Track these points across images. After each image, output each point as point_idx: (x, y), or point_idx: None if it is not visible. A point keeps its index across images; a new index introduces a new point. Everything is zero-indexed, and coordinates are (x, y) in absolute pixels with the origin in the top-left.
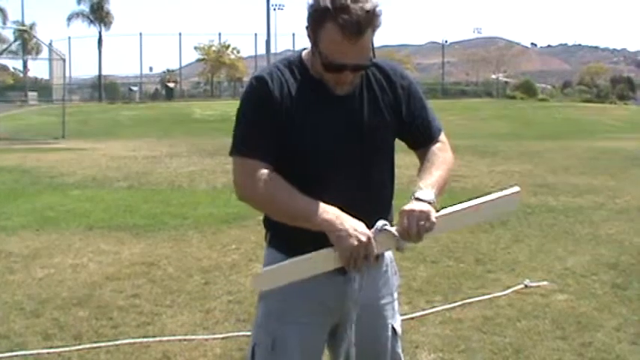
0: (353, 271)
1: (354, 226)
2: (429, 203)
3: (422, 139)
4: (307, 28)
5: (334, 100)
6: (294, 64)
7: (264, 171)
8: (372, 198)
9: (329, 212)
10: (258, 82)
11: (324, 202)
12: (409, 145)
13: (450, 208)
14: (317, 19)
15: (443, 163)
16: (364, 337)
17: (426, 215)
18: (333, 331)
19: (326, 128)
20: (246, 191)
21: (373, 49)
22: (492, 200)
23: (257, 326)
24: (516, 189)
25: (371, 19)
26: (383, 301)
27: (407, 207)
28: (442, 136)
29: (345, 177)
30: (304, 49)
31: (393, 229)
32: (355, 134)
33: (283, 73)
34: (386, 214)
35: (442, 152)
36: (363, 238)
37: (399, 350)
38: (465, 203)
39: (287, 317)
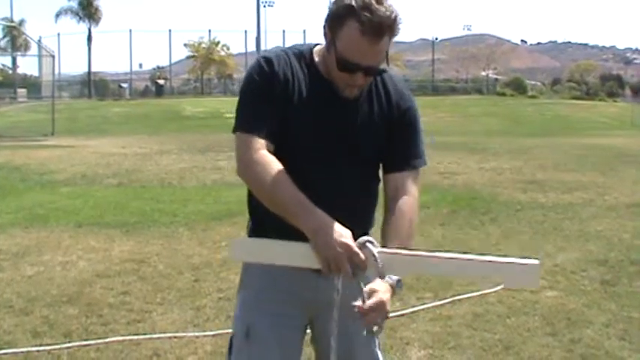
0: (334, 277)
1: (340, 235)
2: (390, 285)
3: (394, 163)
4: (325, 25)
5: (338, 101)
6: (304, 57)
7: (265, 151)
8: (354, 205)
9: (318, 215)
10: (265, 61)
11: (305, 194)
12: (382, 165)
13: (464, 255)
14: (339, 16)
15: (411, 228)
16: (342, 335)
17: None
18: (311, 326)
19: (323, 127)
20: (242, 166)
21: (387, 57)
22: (509, 263)
23: (234, 318)
24: (534, 262)
25: (392, 24)
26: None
27: (383, 295)
28: (415, 185)
29: (330, 179)
30: (317, 44)
31: (376, 252)
32: (349, 139)
33: (292, 61)
34: (366, 225)
35: (411, 213)
36: (343, 250)
37: (377, 350)
38: (478, 257)
39: (261, 307)
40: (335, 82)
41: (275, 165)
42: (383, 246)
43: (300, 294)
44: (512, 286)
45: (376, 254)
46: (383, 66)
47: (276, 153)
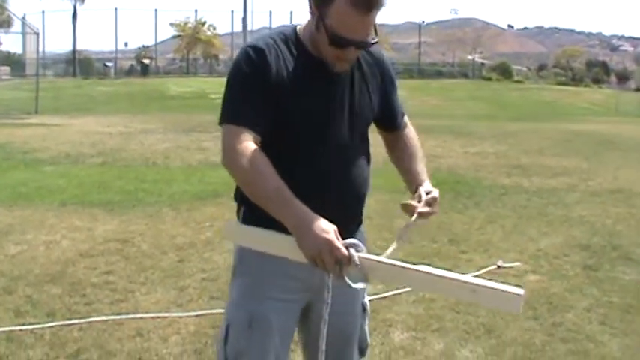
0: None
1: (322, 231)
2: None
3: (394, 123)
4: (311, 2)
5: (331, 77)
6: (290, 39)
7: (251, 143)
8: (362, 174)
9: (299, 211)
10: (255, 52)
11: (313, 178)
12: (381, 127)
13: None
14: None
15: (420, 150)
16: (334, 313)
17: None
18: (306, 309)
19: (321, 105)
20: (227, 157)
21: (376, 29)
22: (494, 289)
23: (231, 305)
24: (520, 291)
25: None
26: None
27: (431, 194)
28: (407, 119)
29: (334, 154)
30: (297, 25)
31: (357, 257)
32: (347, 113)
33: (279, 47)
34: (366, 190)
35: (416, 139)
36: (325, 246)
37: (366, 327)
38: (463, 277)
39: (265, 293)
40: (325, 59)
41: (259, 158)
42: (401, 167)
43: (302, 277)
44: (491, 307)
45: (357, 260)
46: (373, 38)
47: (280, 139)
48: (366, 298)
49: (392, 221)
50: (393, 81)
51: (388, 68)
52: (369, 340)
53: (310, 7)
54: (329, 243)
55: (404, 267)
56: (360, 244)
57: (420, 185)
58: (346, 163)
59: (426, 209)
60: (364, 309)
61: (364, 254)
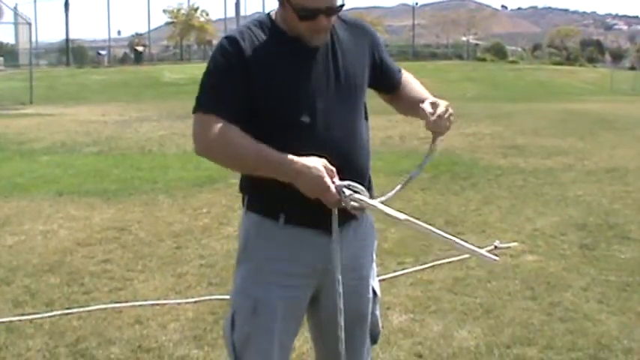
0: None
1: (311, 162)
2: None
3: (393, 82)
4: None
5: (309, 52)
6: (265, 23)
7: (219, 124)
8: (355, 150)
9: (282, 154)
10: (229, 42)
11: (308, 154)
12: (382, 90)
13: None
14: None
15: (419, 84)
16: (347, 295)
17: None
18: (315, 297)
19: (305, 81)
20: (201, 145)
21: None
22: (470, 249)
23: (235, 293)
24: (495, 258)
25: None
26: (364, 260)
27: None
28: (403, 71)
29: (328, 129)
30: (271, 11)
31: (350, 196)
32: (333, 85)
33: (254, 32)
34: (366, 166)
35: (412, 77)
36: (322, 172)
37: (378, 312)
38: (447, 235)
39: (268, 278)
40: (301, 35)
41: (228, 134)
42: (404, 104)
43: (311, 263)
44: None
45: (349, 202)
46: (340, 1)
47: (269, 121)
48: (376, 283)
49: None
50: (379, 43)
51: (371, 33)
52: (380, 326)
53: None
54: (320, 185)
55: (390, 214)
56: (357, 185)
57: (422, 102)
58: (343, 137)
59: (438, 112)
60: (375, 294)
61: (357, 196)
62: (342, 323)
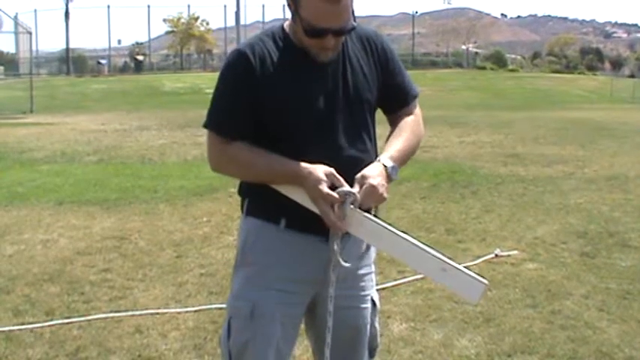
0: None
1: (317, 167)
2: (385, 167)
3: (396, 103)
4: None
5: (318, 67)
6: (277, 34)
7: (229, 142)
8: (369, 159)
9: (290, 162)
10: (240, 56)
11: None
12: (384, 109)
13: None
14: None
15: (412, 134)
16: (341, 308)
17: (381, 177)
18: (312, 304)
19: (311, 96)
20: (213, 163)
21: (353, 13)
22: (459, 270)
23: (232, 298)
24: (484, 281)
25: None
26: (362, 271)
27: (373, 181)
28: (417, 108)
29: (333, 144)
30: (286, 20)
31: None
32: (341, 101)
33: (266, 45)
34: None
35: (414, 124)
36: (325, 176)
37: (377, 324)
38: (438, 254)
39: (267, 283)
40: (308, 49)
41: (240, 152)
42: (388, 138)
43: (310, 271)
44: (453, 290)
45: (348, 207)
46: (351, 23)
47: (275, 136)
48: (375, 294)
49: (389, 213)
50: (390, 58)
51: (384, 47)
52: (379, 340)
53: (287, 0)
54: (320, 195)
55: (387, 228)
56: (356, 194)
57: (378, 160)
58: (348, 153)
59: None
60: (374, 304)
61: (354, 209)
62: (329, 340)
